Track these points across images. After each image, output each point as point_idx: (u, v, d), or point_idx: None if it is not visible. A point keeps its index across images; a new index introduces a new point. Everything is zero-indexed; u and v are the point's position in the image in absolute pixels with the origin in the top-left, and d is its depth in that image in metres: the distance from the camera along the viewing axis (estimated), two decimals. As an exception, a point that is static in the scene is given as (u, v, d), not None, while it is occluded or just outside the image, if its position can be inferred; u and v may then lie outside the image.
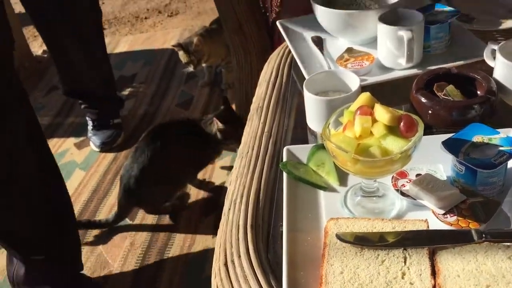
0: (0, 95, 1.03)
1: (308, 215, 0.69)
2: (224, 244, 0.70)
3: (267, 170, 0.81)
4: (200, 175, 1.68)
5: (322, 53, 1.03)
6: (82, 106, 2.00)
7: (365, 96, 0.65)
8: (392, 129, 0.62)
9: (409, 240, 0.60)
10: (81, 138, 2.05)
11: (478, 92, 0.83)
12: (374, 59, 0.96)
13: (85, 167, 1.89)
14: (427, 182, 0.67)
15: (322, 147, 0.77)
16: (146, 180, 1.48)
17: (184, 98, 2.22)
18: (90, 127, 2.01)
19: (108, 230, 1.59)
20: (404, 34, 0.89)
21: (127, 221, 1.61)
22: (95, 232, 1.59)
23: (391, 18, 0.95)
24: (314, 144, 0.79)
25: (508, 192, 0.67)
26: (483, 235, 0.59)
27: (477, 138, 0.69)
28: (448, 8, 0.99)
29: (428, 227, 0.62)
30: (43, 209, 1.21)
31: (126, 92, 2.32)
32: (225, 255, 0.69)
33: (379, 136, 0.62)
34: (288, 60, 1.11)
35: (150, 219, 1.62)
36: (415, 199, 0.67)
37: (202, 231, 1.55)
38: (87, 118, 2.03)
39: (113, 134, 1.98)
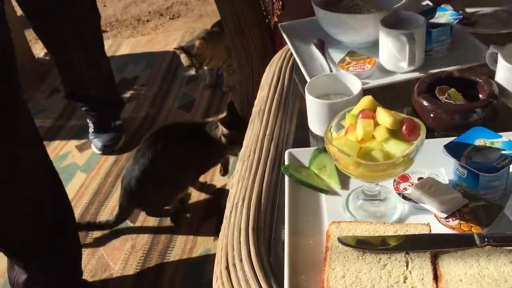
0: (1, 96, 1.03)
1: (309, 219, 0.69)
2: (226, 247, 0.70)
3: (268, 173, 0.81)
4: (201, 178, 1.68)
5: (324, 56, 1.03)
6: (83, 109, 2.00)
7: (367, 100, 0.65)
8: (394, 133, 0.62)
9: (411, 244, 0.60)
10: (83, 141, 2.05)
11: (480, 96, 0.83)
12: (376, 62, 0.96)
13: (87, 169, 1.90)
14: (429, 186, 0.67)
15: (324, 150, 0.77)
16: (147, 182, 1.48)
17: (185, 101, 2.22)
18: (91, 129, 2.01)
19: (109, 233, 1.59)
20: (406, 37, 0.89)
21: (128, 223, 1.61)
22: (96, 234, 1.59)
23: (392, 21, 0.95)
24: (315, 147, 0.79)
25: (510, 196, 0.67)
26: (486, 239, 0.59)
27: (479, 142, 0.69)
28: (449, 12, 1.00)
29: (430, 231, 0.62)
30: (43, 213, 1.21)
31: (127, 94, 2.33)
32: (227, 259, 0.69)
33: (381, 140, 0.62)
34: (290, 63, 1.11)
35: (151, 221, 1.62)
36: (417, 203, 0.67)
37: (203, 234, 1.55)
38: (88, 121, 2.03)
39: (114, 137, 1.98)
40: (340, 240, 0.62)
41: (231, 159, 1.73)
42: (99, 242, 1.56)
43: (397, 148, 0.61)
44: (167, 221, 1.61)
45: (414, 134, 0.61)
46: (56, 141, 2.08)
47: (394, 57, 0.94)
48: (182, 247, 1.51)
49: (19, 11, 2.54)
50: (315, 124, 0.87)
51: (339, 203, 0.71)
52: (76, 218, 1.66)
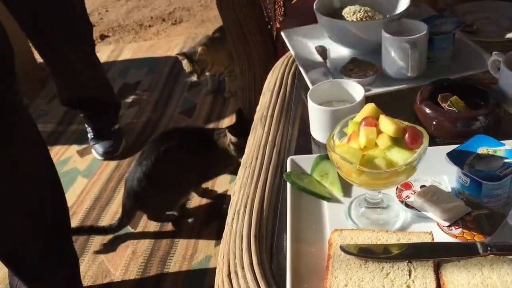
0: (1, 96, 1.04)
1: (312, 226, 0.69)
2: (228, 255, 0.70)
3: (270, 180, 0.81)
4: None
5: (326, 63, 1.03)
6: (81, 115, 2.00)
7: (370, 107, 0.65)
8: (397, 141, 0.62)
9: (414, 253, 0.60)
10: (84, 146, 2.05)
11: (483, 103, 0.83)
12: (378, 69, 0.96)
13: (88, 174, 1.89)
14: (431, 194, 0.67)
15: (326, 157, 0.77)
16: (149, 184, 1.48)
17: (187, 106, 2.22)
18: (90, 136, 2.00)
19: (110, 239, 1.58)
20: (409, 44, 0.89)
21: (129, 229, 1.61)
22: (97, 240, 1.59)
23: (395, 28, 0.95)
24: (318, 155, 0.79)
25: (513, 204, 0.67)
26: (489, 248, 0.59)
27: (482, 150, 0.69)
28: (452, 19, 0.99)
29: (433, 239, 0.62)
30: (44, 214, 1.20)
31: (129, 99, 2.33)
32: (229, 266, 0.68)
33: (384, 148, 0.61)
34: (292, 69, 1.11)
35: (152, 227, 1.61)
36: (419, 211, 0.67)
37: (204, 240, 1.54)
38: (87, 127, 2.02)
39: (114, 142, 1.97)
40: (342, 249, 0.61)
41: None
42: (99, 248, 1.56)
43: (399, 156, 0.61)
44: (168, 227, 1.61)
45: (417, 142, 0.61)
46: (57, 146, 2.08)
47: (396, 64, 0.94)
48: (183, 253, 1.51)
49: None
50: (317, 131, 0.87)
51: (341, 210, 0.71)
52: (77, 223, 1.66)
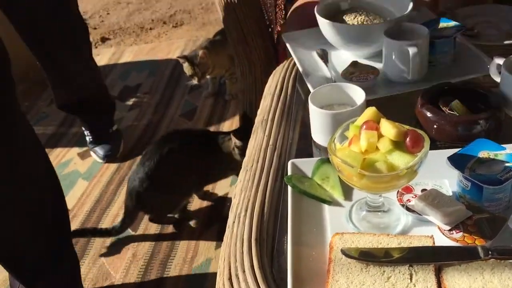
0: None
1: (313, 230, 0.69)
2: (229, 258, 0.70)
3: (271, 183, 0.81)
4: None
5: (327, 66, 1.03)
6: (79, 120, 1.99)
7: (371, 111, 0.65)
8: (398, 144, 0.62)
9: (415, 257, 0.60)
10: (85, 148, 2.05)
11: (484, 107, 0.83)
12: (379, 73, 0.96)
13: (88, 177, 1.89)
14: (432, 198, 0.67)
15: (327, 161, 0.77)
16: (150, 185, 1.48)
17: (188, 108, 2.23)
18: (89, 139, 1.99)
19: (110, 241, 1.58)
20: (409, 48, 0.89)
21: (130, 231, 1.61)
22: (97, 243, 1.59)
23: (396, 32, 0.95)
24: (319, 158, 0.79)
25: (514, 208, 0.67)
26: (490, 252, 0.59)
27: (483, 154, 0.69)
28: (453, 23, 1.00)
29: (434, 243, 0.62)
30: (44, 214, 1.20)
31: (130, 102, 2.33)
32: (229, 269, 0.68)
33: (385, 151, 0.62)
34: (293, 73, 1.11)
35: (153, 230, 1.61)
36: (420, 215, 0.67)
37: (205, 242, 1.54)
38: (85, 131, 2.01)
39: (114, 145, 1.97)
40: (343, 252, 0.61)
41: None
42: (100, 251, 1.56)
43: (400, 160, 0.61)
44: (169, 230, 1.61)
45: (418, 146, 0.61)
46: (58, 148, 2.08)
47: (397, 68, 0.94)
48: (184, 256, 1.51)
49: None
50: (318, 134, 0.87)
51: (342, 214, 0.71)
52: (78, 225, 1.66)
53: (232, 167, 1.55)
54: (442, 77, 0.94)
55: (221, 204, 1.67)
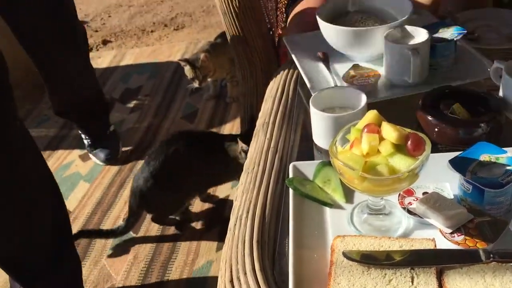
0: None
1: (314, 232, 0.69)
2: (230, 260, 0.70)
3: (273, 186, 0.81)
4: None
5: (328, 69, 1.03)
6: (76, 124, 1.98)
7: (372, 114, 0.66)
8: (400, 148, 0.62)
9: (417, 260, 0.60)
10: (86, 150, 2.05)
11: (484, 111, 0.83)
12: (380, 76, 0.96)
13: (90, 179, 1.90)
14: (434, 201, 0.67)
15: (328, 163, 0.77)
16: (155, 184, 1.48)
17: (189, 111, 2.23)
18: (87, 142, 1.99)
19: (111, 243, 1.59)
20: (410, 52, 0.90)
21: (131, 234, 1.61)
22: (99, 245, 1.59)
23: (397, 35, 0.95)
24: (320, 161, 0.79)
25: (515, 211, 0.67)
26: (491, 255, 0.59)
27: (484, 157, 0.69)
28: (453, 27, 1.00)
29: (435, 246, 0.62)
30: (43, 215, 1.20)
31: (131, 104, 2.34)
32: (231, 272, 0.68)
33: (386, 154, 0.62)
34: (294, 76, 1.11)
35: (154, 231, 1.62)
36: (422, 218, 0.67)
37: (206, 244, 1.54)
38: (82, 136, 2.00)
39: (112, 148, 1.96)
40: (345, 255, 0.62)
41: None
42: (101, 253, 1.56)
43: (402, 163, 0.61)
44: (170, 232, 1.61)
45: (419, 149, 0.62)
46: (59, 150, 2.08)
47: (398, 71, 0.94)
48: (184, 258, 1.51)
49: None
50: (319, 137, 0.87)
51: (344, 217, 0.72)
52: (79, 227, 1.66)
53: (237, 170, 1.55)
54: (442, 80, 0.94)
55: (222, 206, 1.67)
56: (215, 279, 1.41)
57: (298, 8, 1.39)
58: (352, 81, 0.96)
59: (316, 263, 0.64)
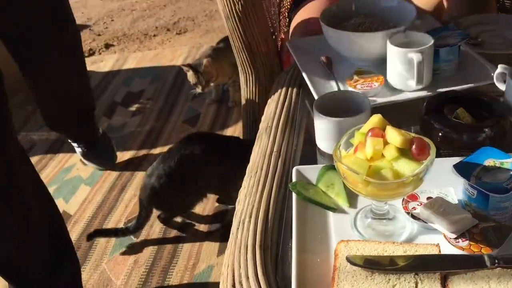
0: None
1: (317, 237, 0.69)
2: (232, 265, 0.70)
3: (275, 190, 0.81)
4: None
5: (331, 73, 1.03)
6: (68, 135, 1.93)
7: (376, 118, 0.65)
8: (404, 152, 0.62)
9: (421, 265, 0.60)
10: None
11: (488, 115, 0.82)
12: (384, 80, 0.96)
13: (91, 182, 1.89)
14: (438, 206, 0.66)
15: (331, 168, 0.77)
16: (168, 182, 1.49)
17: (191, 115, 2.23)
18: (81, 151, 1.93)
19: (112, 247, 1.58)
20: (414, 56, 0.89)
21: (132, 238, 1.60)
22: (99, 249, 1.58)
23: (400, 40, 0.95)
24: (323, 165, 0.79)
25: (520, 217, 0.66)
26: (496, 261, 0.58)
27: (488, 162, 0.69)
28: (457, 31, 1.00)
29: (439, 251, 0.62)
30: (41, 221, 1.20)
31: (133, 108, 2.34)
32: (233, 276, 0.68)
33: (390, 159, 0.61)
34: (297, 80, 1.11)
35: (155, 236, 1.61)
36: (426, 223, 0.66)
37: (207, 249, 1.54)
38: (73, 144, 1.94)
39: (107, 153, 1.93)
40: (348, 260, 0.61)
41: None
42: (101, 257, 1.56)
43: (406, 167, 0.61)
44: (171, 235, 1.60)
45: (424, 154, 0.61)
46: (60, 154, 2.08)
47: (402, 75, 0.94)
48: (185, 262, 1.50)
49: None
50: (322, 141, 0.87)
51: (347, 221, 0.71)
52: (79, 231, 1.66)
53: None
54: (446, 85, 0.94)
55: (224, 211, 1.67)
56: (216, 284, 1.41)
57: (300, 13, 1.39)
58: (356, 85, 0.96)
59: (319, 268, 0.64)
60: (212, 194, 1.66)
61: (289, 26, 1.46)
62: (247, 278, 0.66)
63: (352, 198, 0.74)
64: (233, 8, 1.40)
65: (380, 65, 1.00)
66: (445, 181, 0.71)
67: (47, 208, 1.25)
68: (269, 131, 0.96)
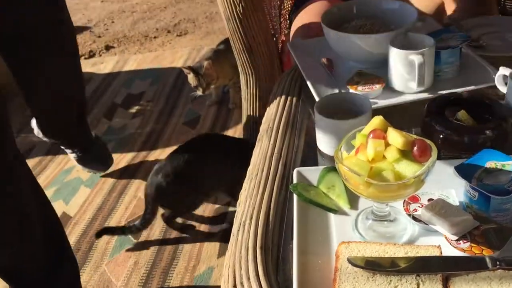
0: None
1: (318, 238, 0.69)
2: (233, 266, 0.70)
3: (276, 191, 0.81)
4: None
5: (332, 75, 1.03)
6: (62, 143, 1.88)
7: (378, 120, 0.65)
8: (405, 154, 0.62)
9: (422, 266, 0.60)
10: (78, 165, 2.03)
11: (490, 118, 0.82)
12: (385, 82, 0.96)
13: (91, 184, 1.89)
14: (439, 207, 0.66)
15: (332, 169, 0.77)
16: (175, 180, 1.49)
17: (191, 117, 2.23)
18: (76, 156, 1.89)
19: (112, 249, 1.58)
20: (415, 58, 0.90)
21: (132, 240, 1.60)
22: (99, 250, 1.58)
23: (402, 42, 0.95)
24: (324, 167, 0.79)
25: (521, 219, 0.66)
26: (498, 263, 0.58)
27: (490, 164, 0.69)
28: (458, 34, 1.00)
29: (441, 253, 0.62)
30: (39, 225, 1.19)
31: (133, 110, 2.34)
32: (234, 277, 0.68)
33: (392, 160, 0.61)
34: (298, 81, 1.11)
35: (155, 237, 1.61)
36: (427, 224, 0.66)
37: (207, 251, 1.54)
38: (70, 154, 1.90)
39: (103, 158, 1.91)
40: (349, 261, 0.61)
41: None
42: (101, 258, 1.55)
43: (408, 169, 0.61)
44: (171, 237, 1.60)
45: (425, 155, 0.61)
46: (60, 155, 2.08)
47: (403, 77, 0.94)
48: (185, 264, 1.50)
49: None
50: (323, 143, 0.87)
51: (348, 223, 0.71)
52: (79, 233, 1.66)
53: None
54: (447, 87, 0.94)
55: (224, 213, 1.67)
56: (216, 286, 1.41)
57: (301, 15, 1.39)
58: (357, 87, 0.96)
59: (321, 269, 0.64)
60: (217, 195, 1.66)
61: (290, 28, 1.46)
62: (248, 279, 0.66)
63: (353, 199, 0.73)
64: (234, 10, 1.41)
65: (381, 67, 1.00)
66: (447, 183, 0.71)
67: (43, 211, 1.24)
68: (270, 133, 0.96)
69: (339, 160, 0.63)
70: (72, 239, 1.63)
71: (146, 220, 1.55)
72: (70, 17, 1.65)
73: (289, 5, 1.45)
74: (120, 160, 2.00)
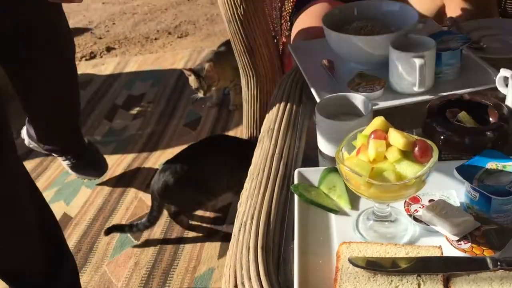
0: None
1: (319, 238, 0.69)
2: (234, 266, 0.70)
3: (277, 192, 0.81)
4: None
5: (333, 76, 1.03)
6: (56, 151, 1.86)
7: (379, 120, 0.66)
8: (407, 154, 0.62)
9: (423, 267, 0.60)
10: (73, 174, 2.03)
11: (490, 119, 0.83)
12: (385, 83, 0.96)
13: (91, 185, 1.89)
14: (440, 208, 0.66)
15: (333, 170, 0.77)
16: (182, 178, 1.50)
17: (192, 118, 2.23)
18: (70, 163, 1.86)
19: (113, 249, 1.58)
20: (416, 60, 0.90)
21: (133, 240, 1.60)
22: (100, 251, 1.58)
23: (402, 43, 0.95)
24: (325, 167, 0.79)
25: (522, 220, 0.66)
26: (498, 263, 0.58)
27: (491, 165, 0.69)
28: (459, 35, 1.00)
29: (442, 253, 0.62)
30: (38, 231, 1.18)
31: (134, 111, 2.34)
32: (235, 277, 0.68)
33: (393, 161, 0.62)
34: (299, 83, 1.11)
35: (156, 238, 1.61)
36: (428, 225, 0.66)
37: (207, 252, 1.54)
38: (62, 160, 1.88)
39: (97, 165, 1.88)
40: (350, 261, 0.61)
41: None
42: (102, 259, 1.55)
43: (409, 170, 0.61)
44: (171, 238, 1.60)
45: (426, 156, 0.61)
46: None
47: (404, 79, 0.94)
48: (186, 265, 1.50)
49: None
50: (324, 144, 0.87)
51: (349, 223, 0.71)
52: (80, 233, 1.66)
53: None
54: (448, 89, 0.94)
55: (224, 214, 1.67)
56: (216, 286, 1.41)
57: (302, 17, 1.40)
58: (357, 88, 0.96)
59: (322, 270, 0.64)
60: (226, 195, 1.66)
61: (290, 29, 1.46)
62: (249, 279, 0.66)
63: (354, 200, 0.74)
64: (235, 12, 1.41)
65: (382, 68, 1.00)
66: (448, 184, 0.71)
67: (41, 213, 1.24)
68: (271, 134, 0.96)
69: (340, 161, 0.63)
70: (73, 240, 1.63)
71: (153, 217, 1.56)
72: (67, 20, 1.65)
73: (290, 7, 1.46)
74: (121, 161, 2.01)
